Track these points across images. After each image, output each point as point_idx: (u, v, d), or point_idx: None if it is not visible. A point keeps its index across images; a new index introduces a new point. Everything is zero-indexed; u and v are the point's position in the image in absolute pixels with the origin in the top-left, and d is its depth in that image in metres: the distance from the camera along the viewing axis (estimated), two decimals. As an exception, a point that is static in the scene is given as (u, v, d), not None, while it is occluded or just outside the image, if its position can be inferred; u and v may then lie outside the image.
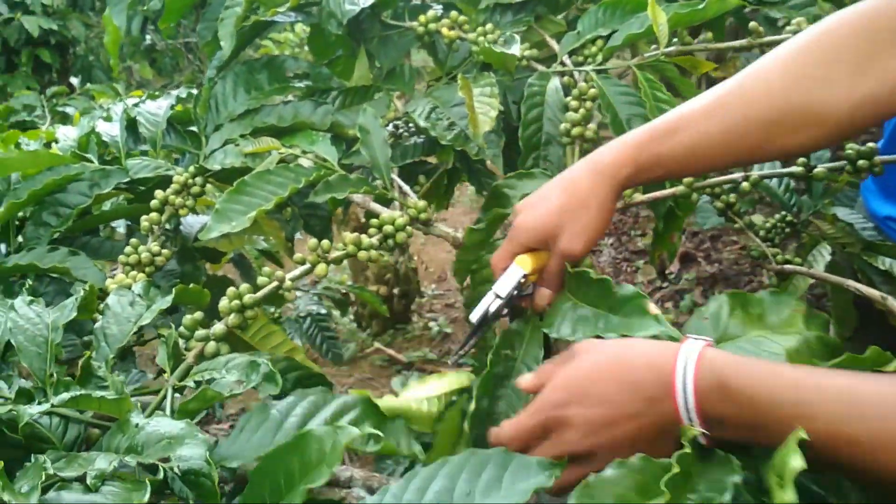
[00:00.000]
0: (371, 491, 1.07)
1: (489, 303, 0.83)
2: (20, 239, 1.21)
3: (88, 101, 3.80)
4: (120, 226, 1.70)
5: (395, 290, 3.78)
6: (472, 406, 0.81)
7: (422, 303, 4.00)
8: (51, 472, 0.64)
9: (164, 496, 0.73)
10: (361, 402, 0.78)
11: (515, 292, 0.84)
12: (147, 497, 0.61)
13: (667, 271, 3.38)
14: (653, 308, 0.77)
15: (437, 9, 1.33)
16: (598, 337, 0.76)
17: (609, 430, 0.64)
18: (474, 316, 0.83)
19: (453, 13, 1.28)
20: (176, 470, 0.67)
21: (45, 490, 0.64)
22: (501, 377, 0.83)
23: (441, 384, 0.84)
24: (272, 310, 2.40)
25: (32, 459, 0.69)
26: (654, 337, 0.76)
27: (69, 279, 1.18)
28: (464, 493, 0.63)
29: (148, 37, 6.66)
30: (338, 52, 1.35)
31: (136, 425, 0.73)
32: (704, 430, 0.60)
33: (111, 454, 0.71)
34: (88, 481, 0.65)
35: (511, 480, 0.64)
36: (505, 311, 0.84)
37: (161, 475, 0.66)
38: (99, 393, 0.78)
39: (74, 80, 4.71)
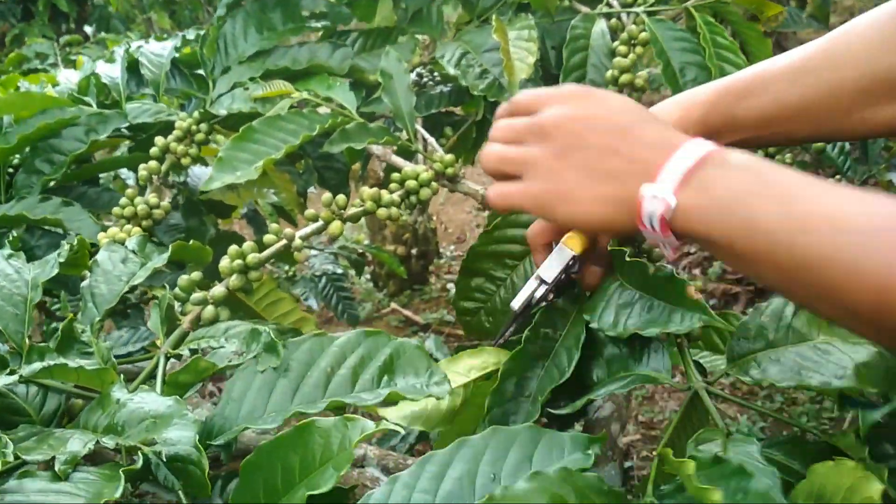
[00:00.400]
0: (387, 471, 0.98)
1: (533, 288, 0.72)
2: (11, 188, 1.12)
3: (102, 50, 3.70)
4: (130, 178, 1.61)
5: (413, 251, 3.68)
6: (496, 384, 0.71)
7: (440, 264, 3.90)
8: (10, 458, 0.54)
9: (148, 482, 0.64)
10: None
11: (563, 276, 0.73)
12: (119, 492, 0.51)
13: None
14: (693, 292, 0.67)
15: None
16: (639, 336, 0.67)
17: (580, 140, 0.60)
18: (516, 303, 0.72)
19: (487, -52, 1.16)
20: (161, 455, 0.58)
21: (3, 476, 0.55)
22: (536, 357, 0.73)
23: (475, 362, 0.74)
24: (286, 268, 2.32)
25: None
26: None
27: (63, 232, 1.09)
28: (488, 478, 0.53)
29: (167, -13, 6.52)
30: (358, -10, 1.23)
31: (118, 401, 0.63)
32: (672, 194, 0.54)
33: (88, 433, 0.62)
34: (57, 467, 0.56)
35: (542, 460, 0.54)
36: (551, 296, 0.73)
37: (141, 462, 0.56)
38: (79, 361, 0.69)
39: (89, 29, 4.58)
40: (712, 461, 0.54)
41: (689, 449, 0.61)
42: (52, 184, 1.14)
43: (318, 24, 1.19)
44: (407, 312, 3.48)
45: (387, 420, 0.49)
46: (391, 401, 0.62)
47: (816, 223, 0.49)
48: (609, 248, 0.76)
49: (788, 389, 2.51)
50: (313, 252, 2.37)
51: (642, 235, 0.61)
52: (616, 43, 1.00)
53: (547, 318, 0.76)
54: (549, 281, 0.72)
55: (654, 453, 0.64)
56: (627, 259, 0.71)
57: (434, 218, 3.96)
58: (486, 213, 1.08)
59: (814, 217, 0.49)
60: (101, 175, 1.46)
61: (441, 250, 3.98)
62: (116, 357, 1.15)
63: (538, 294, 0.72)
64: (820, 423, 2.37)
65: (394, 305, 3.55)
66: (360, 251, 2.39)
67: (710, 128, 0.70)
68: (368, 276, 3.73)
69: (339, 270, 2.28)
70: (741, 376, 0.67)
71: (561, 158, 0.61)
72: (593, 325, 0.72)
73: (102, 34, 4.28)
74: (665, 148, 0.56)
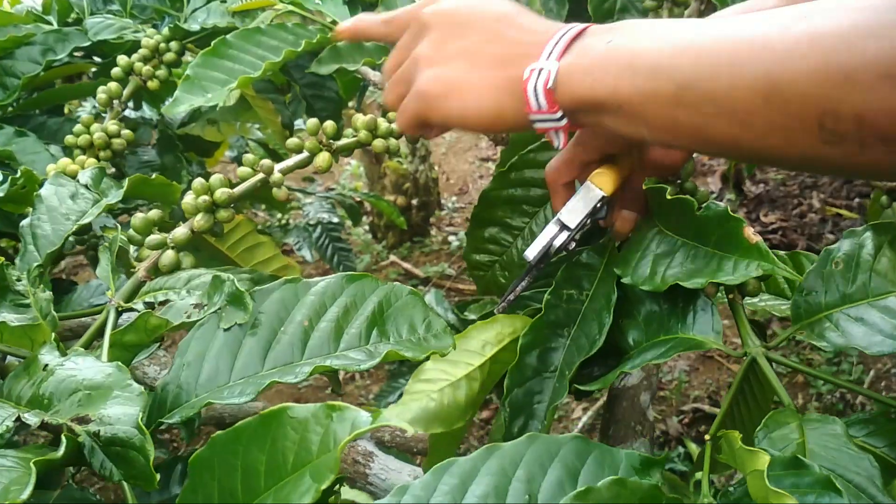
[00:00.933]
0: (382, 444, 0.86)
1: (552, 235, 0.59)
2: (-41, 116, 0.99)
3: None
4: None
5: (414, 201, 3.54)
6: (515, 360, 0.59)
7: (441, 215, 3.77)
8: None
9: (85, 467, 0.52)
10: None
11: (588, 221, 0.60)
12: (28, 492, 0.39)
13: (744, 186, 3.08)
14: (752, 234, 0.54)
15: None
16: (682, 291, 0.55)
17: (466, 27, 0.55)
18: (531, 252, 0.59)
19: None
20: (97, 437, 0.46)
21: None
22: (559, 324, 0.61)
23: (488, 335, 0.61)
24: (279, 216, 2.19)
25: None
26: (760, 279, 0.53)
27: (15, 165, 0.95)
28: (521, 498, 0.40)
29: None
30: None
31: (46, 366, 0.51)
32: (555, 63, 0.49)
33: (8, 406, 0.50)
34: (-41, 452, 0.44)
35: (591, 481, 0.41)
36: (573, 244, 0.61)
37: (64, 447, 0.44)
38: (6, 315, 0.56)
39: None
40: (789, 462, 0.42)
41: (757, 439, 0.48)
42: (8, 112, 1.00)
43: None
44: (407, 265, 3.36)
45: (390, 419, 0.36)
46: (388, 360, 0.50)
47: (701, 44, 0.44)
48: (645, 188, 0.63)
49: (843, 374, 2.37)
50: (307, 200, 2.24)
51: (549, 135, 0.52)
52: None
53: (570, 276, 0.63)
54: (573, 226, 0.60)
55: (707, 437, 0.51)
56: (668, 197, 0.58)
57: (436, 167, 3.82)
58: (491, 164, 0.94)
59: (698, 39, 0.44)
60: (79, 112, 1.33)
61: (442, 201, 3.85)
62: (91, 307, 1.03)
63: (558, 242, 0.60)
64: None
65: (393, 258, 3.43)
66: (358, 199, 2.26)
67: None
68: (367, 228, 3.60)
69: (336, 219, 2.16)
70: (815, 341, 0.53)
71: (443, 47, 0.55)
72: (625, 279, 0.60)
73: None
74: (547, 30, 0.52)
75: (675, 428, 2.16)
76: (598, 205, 0.60)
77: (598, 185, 0.60)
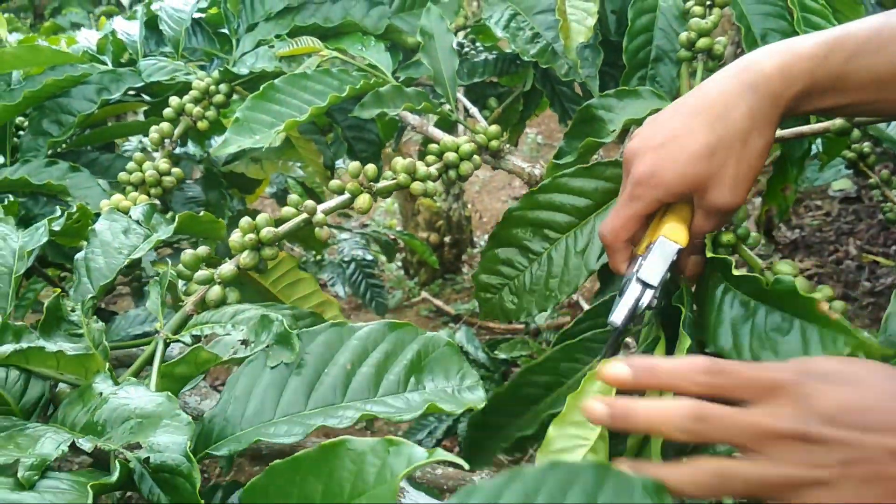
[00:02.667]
0: (413, 480, 0.87)
1: (637, 296, 0.59)
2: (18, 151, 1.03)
3: (135, 21, 3.64)
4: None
5: (447, 239, 3.56)
6: None
7: (473, 254, 3.78)
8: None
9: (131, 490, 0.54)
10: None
11: (668, 275, 0.60)
12: (85, 512, 0.41)
13: (774, 232, 3.05)
14: (828, 310, 0.54)
15: None
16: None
17: (854, 432, 0.40)
18: (618, 317, 0.59)
19: None
20: (146, 463, 0.48)
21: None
22: None
23: (598, 385, 0.58)
24: (314, 254, 2.22)
25: (-44, 432, 0.51)
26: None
27: (69, 200, 1.00)
28: (540, 522, 0.42)
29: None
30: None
31: (100, 394, 0.53)
32: None
33: (63, 432, 0.52)
34: (20, 474, 0.46)
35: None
36: (655, 301, 0.60)
37: (118, 473, 0.46)
38: (62, 345, 0.59)
39: (126, 2, 4.52)
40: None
41: None
42: (61, 148, 1.05)
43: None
44: (438, 302, 3.38)
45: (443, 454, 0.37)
46: (429, 413, 0.51)
47: None
48: (707, 256, 0.64)
49: None
50: (343, 236, 2.27)
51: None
52: (690, 2, 0.87)
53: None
54: (656, 283, 0.60)
55: None
56: (734, 273, 0.59)
57: (469, 206, 3.85)
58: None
59: None
60: (126, 147, 1.38)
61: (475, 239, 3.87)
62: (132, 337, 1.06)
63: (644, 301, 0.59)
64: None
65: (424, 294, 3.45)
66: (392, 237, 2.29)
67: (816, 86, 0.59)
68: (399, 264, 3.63)
69: (370, 256, 2.19)
70: None
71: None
72: (709, 349, 0.61)
73: (137, 6, 4.22)
74: None
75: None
76: (675, 257, 0.61)
77: (674, 239, 0.60)
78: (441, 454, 0.38)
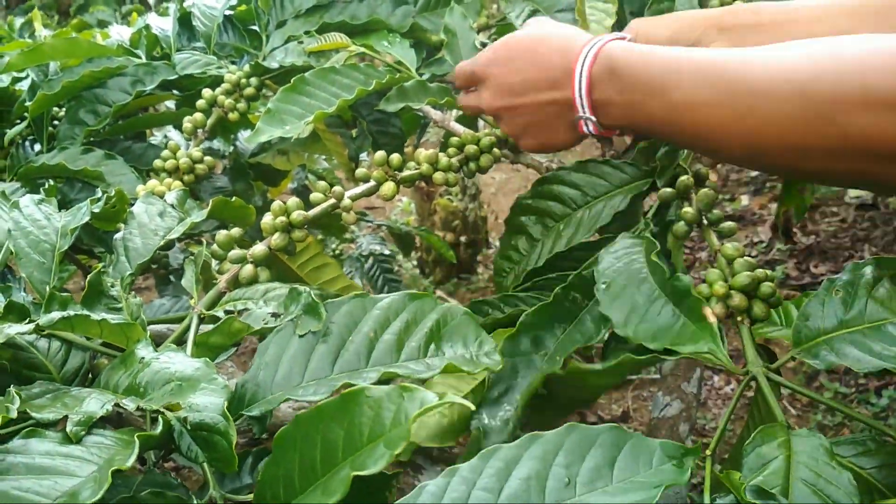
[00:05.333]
0: (430, 458, 0.90)
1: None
2: (55, 140, 1.07)
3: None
4: (184, 146, 1.56)
5: (462, 238, 3.59)
6: (512, 333, 0.65)
7: (488, 254, 3.81)
8: (13, 413, 0.48)
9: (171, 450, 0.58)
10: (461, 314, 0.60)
11: None
12: (131, 461, 0.45)
13: (792, 231, 3.06)
14: (710, 314, 0.58)
15: None
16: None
17: (514, 98, 0.72)
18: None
19: None
20: (185, 422, 0.51)
21: (10, 434, 0.49)
22: (560, 318, 0.67)
23: None
24: (334, 246, 2.26)
25: (7, 391, 0.54)
26: (700, 353, 0.57)
27: (103, 186, 1.04)
28: (561, 482, 0.45)
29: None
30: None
31: (142, 359, 0.57)
32: (592, 117, 0.67)
33: (107, 394, 0.56)
34: (69, 428, 0.50)
35: (626, 468, 0.46)
36: None
37: (161, 428, 0.50)
38: (103, 315, 0.63)
39: (152, 0, 4.59)
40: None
41: (745, 453, 0.52)
42: (96, 136, 1.09)
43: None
44: (453, 301, 3.41)
45: (453, 397, 0.40)
46: (447, 372, 0.55)
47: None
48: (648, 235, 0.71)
49: (850, 403, 2.38)
50: (361, 231, 2.31)
51: None
52: (714, 1, 0.90)
53: (581, 282, 0.69)
54: None
55: (707, 453, 0.54)
56: (652, 259, 0.63)
57: (485, 206, 3.88)
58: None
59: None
60: (153, 137, 1.42)
61: (490, 240, 3.90)
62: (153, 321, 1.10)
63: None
64: (884, 437, 2.24)
65: (439, 293, 3.48)
66: (409, 231, 2.33)
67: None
68: (415, 262, 3.67)
69: (387, 252, 2.22)
70: (810, 360, 0.57)
71: (500, 98, 0.74)
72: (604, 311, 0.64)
73: (164, 4, 4.29)
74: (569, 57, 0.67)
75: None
76: None
77: None
78: (451, 398, 0.42)
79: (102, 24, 3.60)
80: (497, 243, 3.96)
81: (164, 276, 1.43)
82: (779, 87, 0.51)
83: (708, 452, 0.53)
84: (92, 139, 1.10)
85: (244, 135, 1.34)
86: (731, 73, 0.54)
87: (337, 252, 2.20)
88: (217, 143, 1.32)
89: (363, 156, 1.17)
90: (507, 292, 0.80)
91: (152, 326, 0.87)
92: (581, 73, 0.65)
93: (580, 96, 0.66)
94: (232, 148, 1.29)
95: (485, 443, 0.61)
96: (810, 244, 3.17)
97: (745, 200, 3.69)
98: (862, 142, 0.48)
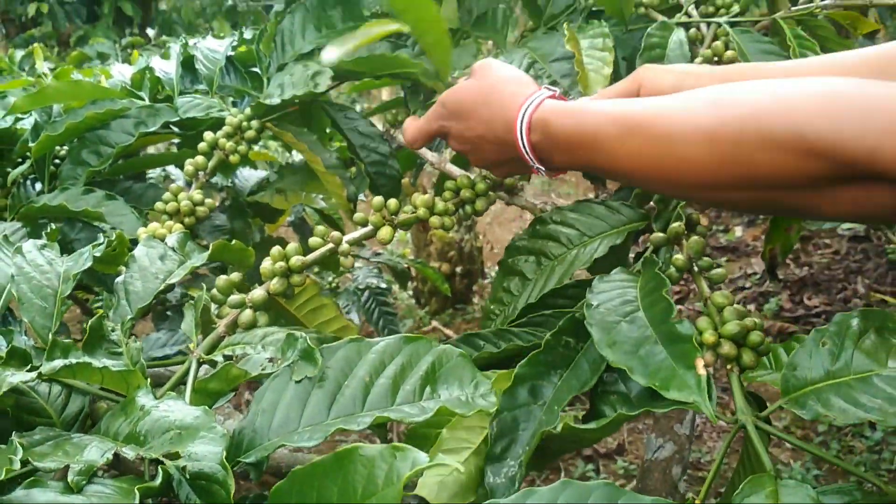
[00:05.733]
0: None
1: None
2: (57, 180, 1.09)
3: (160, 52, 3.74)
4: (180, 179, 1.58)
5: (458, 269, 3.62)
6: (509, 386, 0.66)
7: (484, 284, 3.83)
8: (16, 465, 0.49)
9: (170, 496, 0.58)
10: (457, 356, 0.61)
11: None
12: (134, 512, 0.46)
13: (777, 270, 3.08)
14: (701, 366, 0.59)
15: (541, -56, 1.14)
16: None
17: (474, 148, 0.78)
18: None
19: (560, -50, 1.10)
20: (184, 471, 0.52)
21: (12, 483, 0.50)
22: (554, 366, 0.68)
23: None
24: (330, 279, 2.27)
25: (10, 440, 0.55)
26: (684, 404, 0.58)
27: (104, 226, 1.05)
28: (555, 541, 0.45)
29: (230, -2, 6.64)
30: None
31: (142, 407, 0.58)
32: (541, 167, 0.73)
33: (107, 441, 0.57)
34: (70, 478, 0.51)
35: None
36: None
37: (161, 478, 0.50)
38: (105, 361, 0.64)
39: (151, 33, 4.65)
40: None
41: (735, 502, 0.53)
42: (97, 177, 1.11)
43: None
44: (448, 332, 3.42)
45: (444, 457, 0.41)
46: (441, 415, 0.56)
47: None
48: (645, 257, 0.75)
49: (845, 436, 2.39)
50: (357, 264, 2.32)
51: None
52: (698, 60, 0.93)
53: (572, 326, 0.69)
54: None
55: (696, 500, 0.56)
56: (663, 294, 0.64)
57: (481, 237, 3.90)
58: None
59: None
60: (150, 173, 1.44)
61: (486, 270, 3.92)
62: (151, 359, 1.11)
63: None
64: (878, 475, 2.24)
65: (435, 324, 3.49)
66: (405, 265, 2.34)
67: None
68: (410, 293, 3.68)
69: (383, 285, 2.23)
70: (797, 410, 0.58)
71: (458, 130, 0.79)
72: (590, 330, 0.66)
73: (163, 37, 4.33)
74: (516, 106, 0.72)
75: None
76: None
77: None
78: (442, 459, 0.43)
79: (102, 57, 3.63)
80: (493, 273, 3.98)
81: (162, 312, 1.44)
82: (690, 133, 0.58)
83: (698, 501, 0.54)
84: (93, 180, 1.11)
85: (242, 172, 1.36)
86: (648, 124, 0.61)
87: (333, 285, 2.21)
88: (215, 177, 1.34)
89: (361, 196, 1.19)
90: (502, 327, 0.81)
91: (152, 370, 0.88)
92: (521, 135, 0.71)
93: (526, 152, 0.72)
94: (227, 185, 1.31)
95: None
96: (804, 276, 3.19)
97: (738, 232, 3.71)
98: (763, 177, 0.55)
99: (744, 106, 0.56)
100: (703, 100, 0.59)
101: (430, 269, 2.20)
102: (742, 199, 0.60)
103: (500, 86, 0.76)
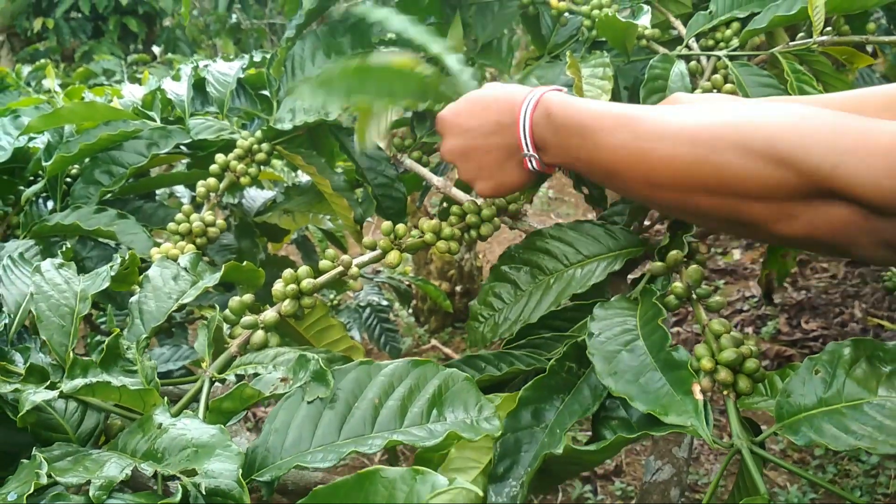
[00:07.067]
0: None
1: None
2: (68, 197, 1.11)
3: (168, 70, 3.78)
4: (185, 196, 1.61)
5: (458, 288, 3.63)
6: (514, 408, 0.68)
7: (484, 303, 3.84)
8: (43, 479, 0.51)
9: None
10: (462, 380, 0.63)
11: None
12: (155, 527, 0.47)
13: (774, 294, 3.11)
14: (698, 392, 0.62)
15: (545, -23, 1.17)
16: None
17: (469, 141, 0.80)
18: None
19: (565, -18, 1.13)
20: (200, 488, 0.54)
21: (34, 497, 0.52)
22: (557, 390, 0.70)
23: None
24: (332, 296, 2.29)
25: (33, 455, 0.57)
26: (682, 428, 0.60)
27: (116, 244, 1.07)
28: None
29: (234, 16, 6.70)
30: (429, 19, 1.21)
31: (160, 425, 0.60)
32: (535, 154, 0.76)
33: (125, 457, 0.59)
34: (91, 493, 0.53)
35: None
36: None
37: (180, 495, 0.52)
38: (121, 380, 0.66)
39: (156, 50, 4.70)
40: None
41: None
42: (108, 196, 1.13)
43: (387, 51, 1.17)
44: (447, 350, 3.43)
45: (462, 482, 0.43)
46: (449, 440, 0.58)
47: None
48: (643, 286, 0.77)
49: (842, 460, 2.41)
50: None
51: None
52: (697, 92, 0.95)
53: (575, 352, 0.72)
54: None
55: None
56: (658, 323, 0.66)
57: (480, 256, 3.92)
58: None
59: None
60: (157, 191, 1.46)
61: (485, 289, 3.92)
62: (158, 375, 1.13)
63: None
64: (874, 498, 2.25)
65: (434, 342, 3.50)
66: (406, 283, 2.36)
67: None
68: (410, 311, 3.69)
69: (385, 302, 2.26)
70: (790, 437, 0.60)
71: (455, 150, 0.82)
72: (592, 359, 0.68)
73: (169, 55, 4.38)
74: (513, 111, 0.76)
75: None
76: None
77: None
78: (460, 482, 0.45)
79: (108, 73, 3.67)
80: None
81: (167, 328, 1.45)
82: (675, 133, 0.63)
83: None
84: (105, 199, 1.14)
85: (250, 192, 1.39)
86: (642, 123, 0.65)
87: (335, 302, 2.23)
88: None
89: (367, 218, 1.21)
90: (502, 349, 0.83)
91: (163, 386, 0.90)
92: (524, 116, 0.75)
93: (524, 136, 0.75)
94: (237, 203, 1.33)
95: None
96: (801, 300, 3.21)
97: (736, 255, 3.74)
98: (733, 181, 0.59)
99: (726, 115, 0.61)
100: (692, 110, 0.64)
101: (431, 286, 2.22)
102: (707, 205, 0.63)
103: (510, 86, 0.80)
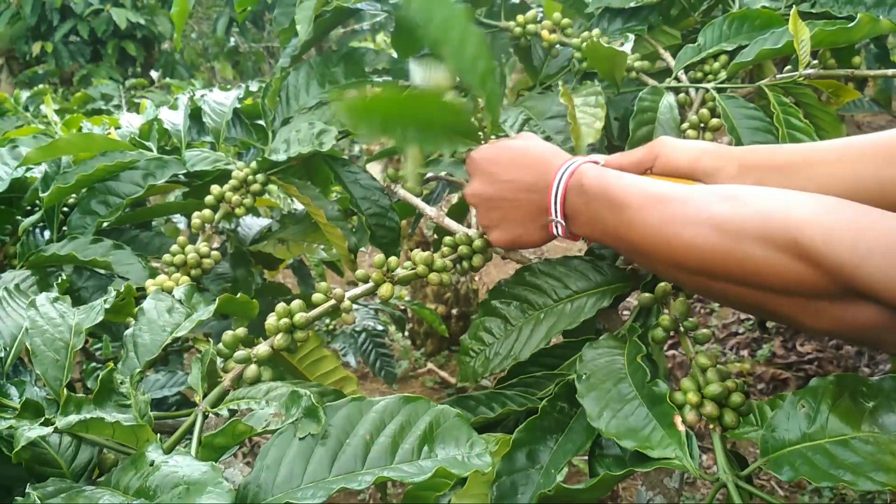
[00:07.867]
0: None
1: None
2: (65, 227, 1.12)
3: (166, 95, 3.80)
4: (181, 222, 1.61)
5: (454, 311, 3.63)
6: (507, 451, 0.68)
7: (480, 326, 3.84)
8: (36, 519, 0.52)
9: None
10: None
11: None
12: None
13: (767, 322, 3.12)
14: (679, 423, 0.63)
15: (537, 10, 1.19)
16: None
17: (498, 191, 0.82)
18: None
19: (555, 14, 1.14)
20: (192, 525, 0.54)
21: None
22: (550, 430, 0.70)
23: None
24: (327, 321, 2.30)
25: (27, 493, 0.57)
26: (667, 460, 0.61)
27: (112, 275, 1.08)
28: None
29: (232, 39, 6.75)
30: (423, 50, 1.23)
31: (152, 462, 0.60)
32: (562, 221, 0.77)
33: (118, 494, 0.59)
34: (84, 531, 0.53)
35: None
36: None
37: (171, 533, 0.53)
38: (115, 416, 0.67)
39: (155, 74, 4.72)
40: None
41: None
42: (105, 225, 1.14)
43: (380, 80, 1.19)
44: (443, 374, 3.43)
45: None
46: (438, 477, 0.58)
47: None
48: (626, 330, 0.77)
49: (838, 485, 2.40)
50: (354, 306, 2.34)
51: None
52: (685, 125, 0.97)
53: (566, 392, 0.72)
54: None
55: None
56: (637, 361, 0.68)
57: (476, 279, 3.93)
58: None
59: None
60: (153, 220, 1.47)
61: (481, 312, 3.93)
62: (153, 401, 1.13)
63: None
64: (871, 523, 2.25)
65: (430, 365, 3.50)
66: (402, 307, 2.37)
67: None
68: (406, 334, 3.69)
69: (380, 327, 2.26)
70: (774, 472, 0.61)
71: (484, 196, 0.84)
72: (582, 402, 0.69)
73: (167, 79, 4.41)
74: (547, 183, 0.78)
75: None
76: None
77: None
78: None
79: (106, 98, 3.69)
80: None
81: (163, 356, 1.46)
82: (704, 220, 0.62)
83: None
84: (101, 229, 1.14)
85: (245, 220, 1.40)
86: (671, 204, 0.65)
87: (330, 327, 2.23)
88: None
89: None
90: (494, 389, 0.84)
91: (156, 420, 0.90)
92: (559, 183, 0.76)
93: (555, 202, 0.76)
94: (233, 231, 1.34)
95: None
96: (796, 322, 3.22)
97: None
98: (756, 274, 0.59)
99: (754, 206, 0.60)
100: (721, 194, 0.63)
101: (427, 310, 2.23)
102: (732, 294, 0.63)
103: (546, 145, 0.82)
